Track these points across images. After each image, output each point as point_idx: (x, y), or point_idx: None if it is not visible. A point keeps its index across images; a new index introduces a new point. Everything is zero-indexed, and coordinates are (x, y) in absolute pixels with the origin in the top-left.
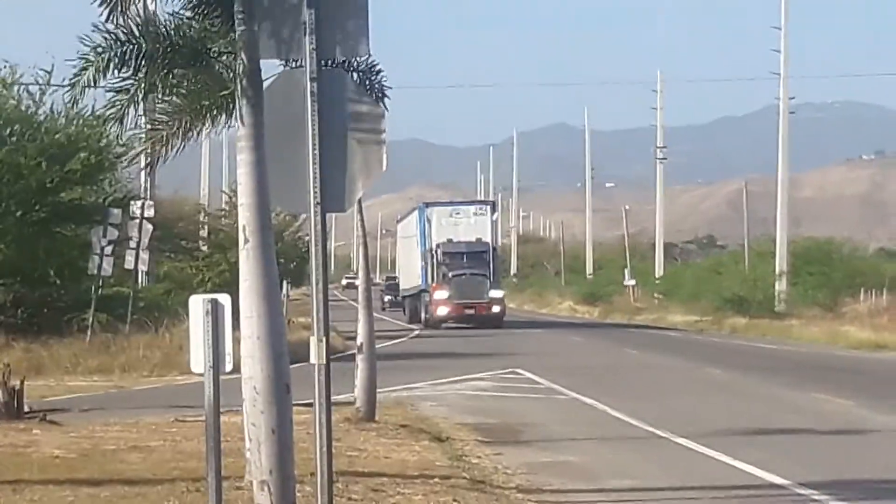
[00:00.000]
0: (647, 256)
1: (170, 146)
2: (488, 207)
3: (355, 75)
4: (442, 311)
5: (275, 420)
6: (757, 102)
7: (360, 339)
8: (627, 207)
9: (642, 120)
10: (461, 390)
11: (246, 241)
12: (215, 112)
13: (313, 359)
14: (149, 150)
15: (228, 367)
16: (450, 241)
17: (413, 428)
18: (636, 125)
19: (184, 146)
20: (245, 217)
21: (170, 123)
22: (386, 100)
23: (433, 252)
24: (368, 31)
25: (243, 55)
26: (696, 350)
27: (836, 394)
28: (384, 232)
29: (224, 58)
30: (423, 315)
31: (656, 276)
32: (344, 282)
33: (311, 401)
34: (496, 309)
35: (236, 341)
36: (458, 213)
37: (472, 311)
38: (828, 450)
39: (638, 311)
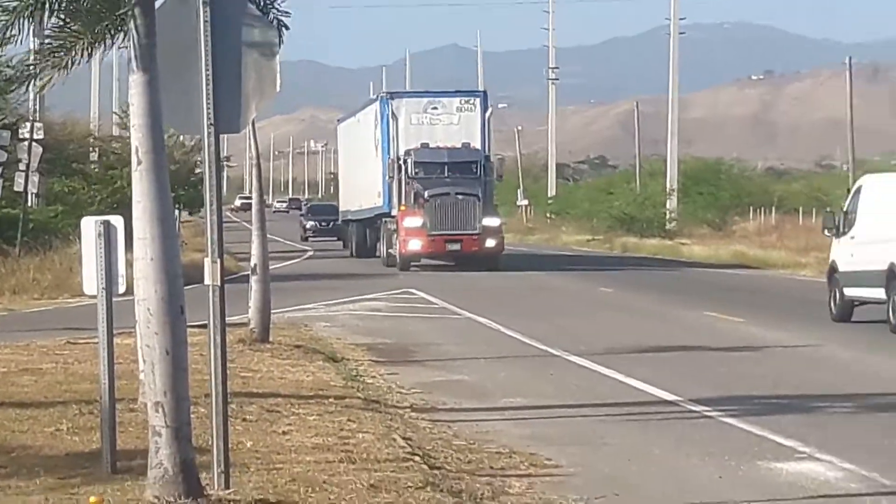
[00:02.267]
0: (539, 177)
1: (61, 67)
2: (477, 99)
3: None
4: (413, 244)
5: (169, 341)
6: (648, 23)
7: (254, 261)
8: (520, 128)
9: (534, 41)
10: (355, 311)
11: (139, 162)
12: (107, 32)
13: (207, 280)
14: (38, 72)
15: (121, 288)
16: (424, 146)
17: (307, 348)
18: (528, 46)
19: (74, 67)
20: (137, 138)
21: (60, 44)
22: (284, 23)
23: (401, 162)
24: None
25: None
26: (589, 270)
27: (726, 311)
28: (277, 153)
29: None
30: (383, 249)
31: (549, 196)
32: (238, 202)
33: (206, 322)
34: (491, 243)
35: (129, 264)
36: (434, 108)
37: (456, 246)
38: (719, 366)
39: (530, 231)
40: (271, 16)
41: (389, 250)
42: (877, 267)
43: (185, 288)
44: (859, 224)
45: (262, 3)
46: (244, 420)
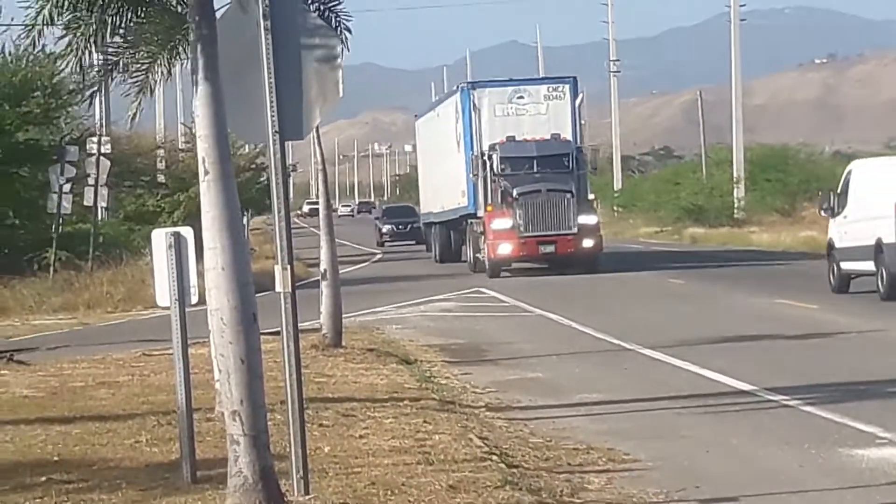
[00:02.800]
0: (604, 170)
1: (145, 89)
2: (567, 86)
3: (311, 2)
4: (504, 248)
5: (243, 350)
6: (706, 13)
7: (323, 266)
8: (584, 122)
9: (593, 34)
10: (426, 312)
11: (206, 172)
12: (170, 46)
13: (278, 287)
14: (102, 86)
15: (194, 299)
16: (511, 139)
17: (380, 352)
18: (587, 40)
19: (158, 87)
20: (204, 149)
21: (125, 59)
22: (346, 27)
23: (485, 158)
24: None
25: None
26: (659, 261)
27: (799, 299)
28: (341, 157)
29: None
30: (470, 253)
31: (615, 189)
32: (306, 208)
33: (278, 329)
34: (588, 242)
35: (200, 274)
36: (521, 98)
37: (550, 248)
38: (793, 354)
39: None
40: (332, 21)
41: (477, 255)
42: (866, 242)
43: (257, 296)
44: (850, 205)
45: (322, 9)
46: (321, 425)
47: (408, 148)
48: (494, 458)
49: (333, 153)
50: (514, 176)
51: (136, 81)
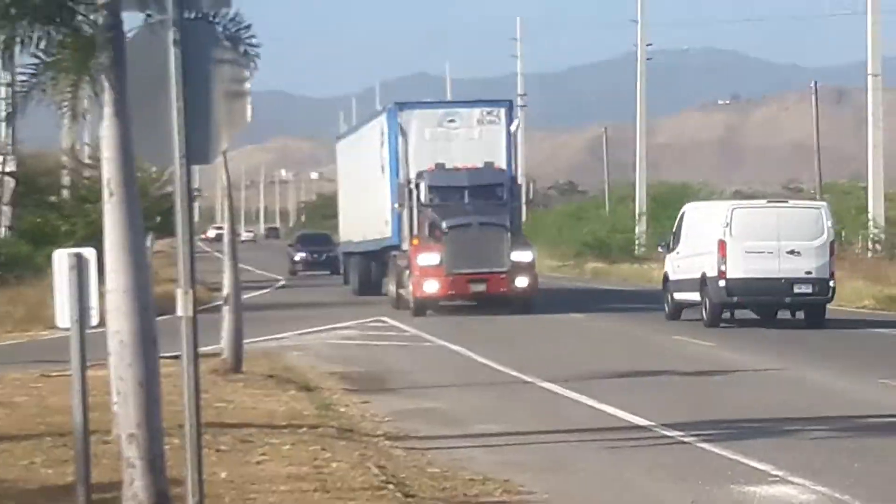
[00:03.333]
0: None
1: (32, 100)
2: (502, 111)
3: (221, 28)
4: (430, 285)
5: (142, 373)
6: (614, 50)
7: (226, 291)
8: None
9: (502, 69)
10: (328, 339)
11: (111, 194)
12: (77, 66)
13: (180, 311)
14: (9, 104)
15: (94, 321)
16: (440, 167)
17: (280, 378)
18: (495, 74)
19: (46, 100)
20: (109, 171)
21: (31, 77)
22: (255, 54)
23: (412, 186)
24: None
25: (105, 8)
26: (560, 295)
27: (697, 336)
28: (248, 182)
29: (85, 10)
30: (392, 289)
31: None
32: (212, 233)
33: (179, 353)
34: (522, 282)
35: (102, 295)
36: (452, 121)
37: (481, 287)
38: (691, 391)
39: None
40: (241, 47)
41: (400, 290)
42: (693, 275)
43: (158, 319)
44: (682, 242)
45: (232, 35)
46: (218, 451)
47: (314, 175)
48: (391, 486)
49: (240, 178)
50: (444, 207)
51: (63, 107)
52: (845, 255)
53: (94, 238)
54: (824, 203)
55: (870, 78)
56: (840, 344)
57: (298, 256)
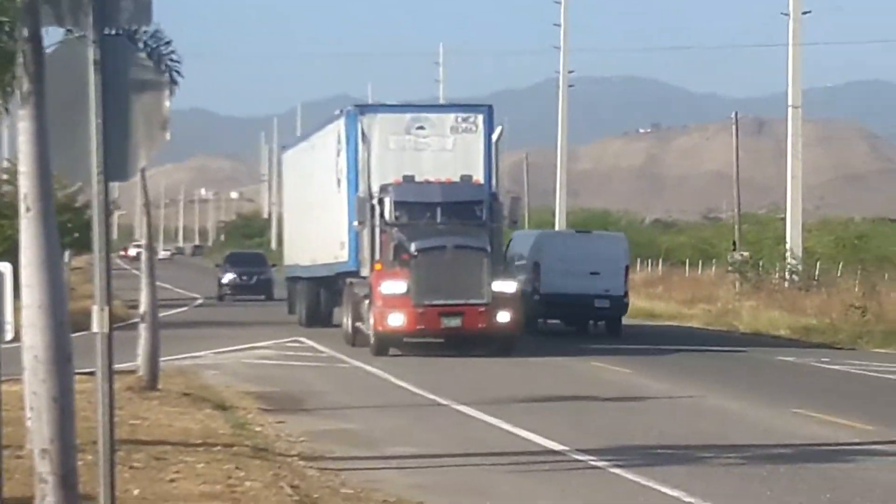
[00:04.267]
0: None
1: None
2: (480, 117)
3: (142, 45)
4: (395, 319)
5: (56, 389)
6: (537, 76)
7: (142, 308)
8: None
9: (424, 92)
10: (244, 359)
11: (27, 209)
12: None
13: (95, 327)
14: None
15: (9, 335)
16: (408, 180)
17: (196, 396)
18: (418, 97)
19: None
20: (26, 186)
21: None
22: (176, 71)
23: (375, 202)
24: (151, 2)
25: (24, 22)
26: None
27: (613, 363)
28: (168, 201)
29: (4, 26)
30: (346, 322)
31: None
32: (133, 251)
33: (94, 369)
34: (504, 316)
35: (18, 310)
36: (421, 128)
37: (455, 322)
38: (605, 417)
39: None
40: (162, 65)
41: (357, 324)
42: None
43: (74, 335)
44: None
45: (152, 52)
46: (131, 468)
47: (234, 195)
48: None
49: (160, 196)
50: (412, 227)
51: None
52: (762, 284)
53: (11, 253)
54: (622, 234)
55: (790, 109)
56: (756, 373)
57: (227, 278)
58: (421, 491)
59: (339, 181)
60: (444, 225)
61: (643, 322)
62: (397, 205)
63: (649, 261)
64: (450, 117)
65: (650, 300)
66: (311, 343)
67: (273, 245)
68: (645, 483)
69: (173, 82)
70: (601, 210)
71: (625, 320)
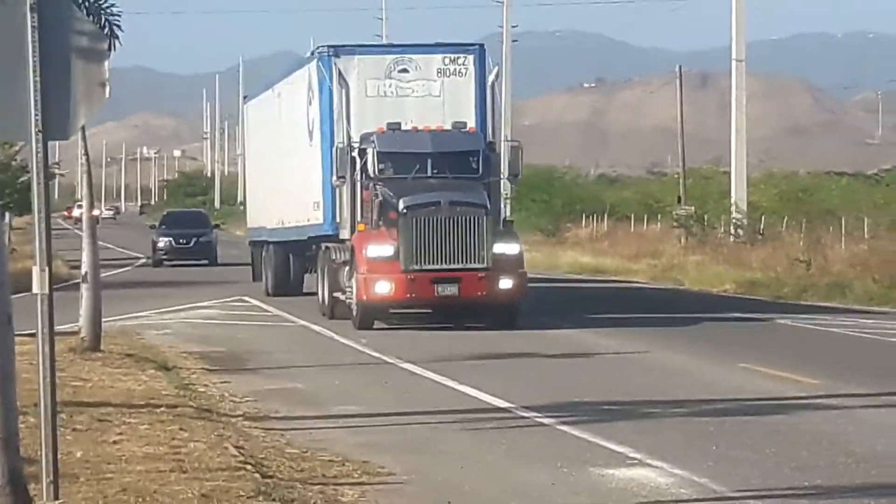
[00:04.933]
0: None
1: None
2: (470, 57)
3: (81, 4)
4: (382, 287)
5: None
6: (480, 31)
7: (84, 269)
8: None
9: None
10: (188, 319)
11: None
12: None
13: (36, 288)
14: None
15: None
16: (394, 128)
17: (139, 357)
18: None
19: None
20: None
21: None
22: (117, 25)
23: (355, 154)
24: None
25: None
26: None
27: (560, 318)
28: (109, 160)
29: None
30: (323, 292)
31: None
32: (77, 212)
33: (34, 331)
34: (506, 283)
35: None
36: (404, 71)
37: (452, 289)
38: (552, 373)
39: None
40: (102, 21)
41: (336, 294)
42: None
43: (15, 296)
44: None
45: (91, 7)
46: (74, 430)
47: (177, 153)
48: (249, 467)
49: (101, 155)
50: (399, 181)
51: None
52: (707, 239)
53: None
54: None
55: (734, 63)
56: (703, 328)
57: (162, 242)
58: (367, 449)
59: (310, 133)
60: (437, 179)
61: (591, 277)
62: (381, 156)
63: (594, 216)
64: (436, 58)
65: (596, 256)
66: (255, 302)
67: (217, 204)
68: (591, 439)
69: (114, 37)
70: (546, 166)
71: (567, 277)
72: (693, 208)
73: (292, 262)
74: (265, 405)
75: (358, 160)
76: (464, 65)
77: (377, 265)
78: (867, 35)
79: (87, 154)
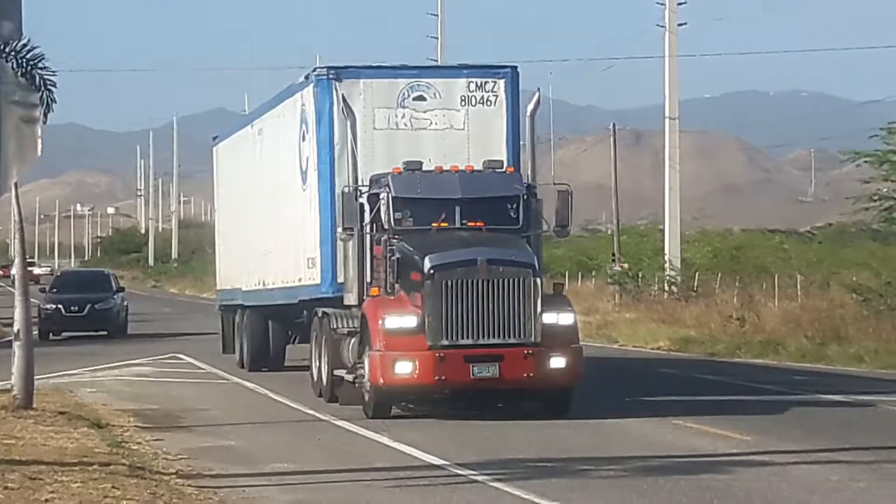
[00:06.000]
0: None
1: None
2: (501, 83)
3: (14, 62)
4: (404, 367)
5: None
6: None
7: (16, 326)
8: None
9: None
10: (121, 376)
11: None
12: None
13: None
14: None
15: None
16: (414, 168)
17: (72, 415)
18: None
19: None
20: None
21: None
22: (52, 83)
23: (362, 199)
24: (21, 16)
25: None
26: None
27: None
28: (42, 217)
29: None
30: (321, 370)
31: None
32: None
33: None
34: (558, 362)
35: None
36: (420, 99)
37: (491, 370)
38: (485, 431)
39: None
40: (35, 79)
41: (339, 373)
42: None
43: None
44: None
45: (24, 65)
46: (6, 488)
47: (111, 210)
48: None
49: (34, 213)
50: (421, 234)
51: None
52: (641, 296)
53: None
54: None
55: (667, 121)
56: (636, 384)
57: (50, 307)
58: None
59: (304, 174)
60: (468, 231)
61: None
62: (398, 202)
63: None
64: (460, 83)
65: None
66: (189, 360)
67: (151, 261)
68: (525, 496)
69: (49, 96)
70: None
71: None
72: (627, 265)
73: (272, 331)
74: (199, 463)
75: (367, 208)
76: (493, 91)
77: (397, 340)
78: (800, 94)
79: (19, 212)
